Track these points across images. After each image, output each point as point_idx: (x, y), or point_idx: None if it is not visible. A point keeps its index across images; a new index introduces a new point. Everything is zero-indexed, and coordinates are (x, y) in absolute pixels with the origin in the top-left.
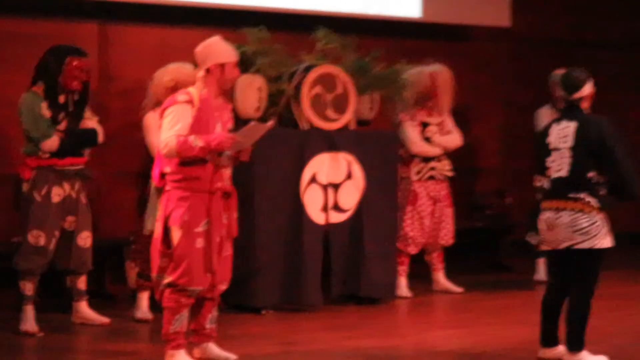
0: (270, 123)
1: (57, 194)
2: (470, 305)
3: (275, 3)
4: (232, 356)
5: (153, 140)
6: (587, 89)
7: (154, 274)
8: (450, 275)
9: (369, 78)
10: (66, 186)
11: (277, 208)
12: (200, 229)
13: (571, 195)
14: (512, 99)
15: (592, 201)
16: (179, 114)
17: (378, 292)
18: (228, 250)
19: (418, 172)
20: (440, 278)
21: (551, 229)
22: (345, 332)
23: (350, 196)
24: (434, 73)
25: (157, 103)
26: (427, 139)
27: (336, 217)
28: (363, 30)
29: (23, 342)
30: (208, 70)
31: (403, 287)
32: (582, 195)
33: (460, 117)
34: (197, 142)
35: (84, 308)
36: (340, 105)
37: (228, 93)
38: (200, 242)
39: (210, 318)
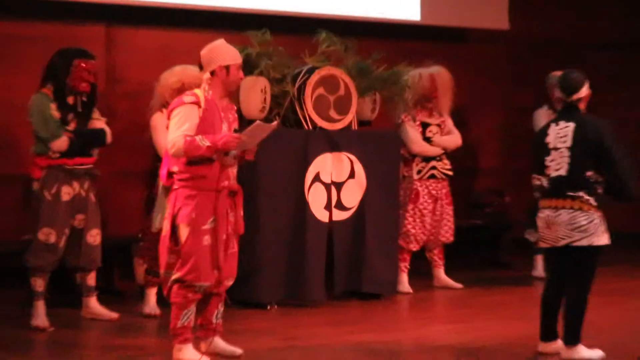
0: (274, 123)
1: (66, 192)
2: (470, 301)
3: (278, 6)
4: (238, 350)
5: (160, 140)
6: (585, 90)
7: (162, 271)
8: (450, 271)
9: (370, 79)
10: (75, 185)
11: (281, 206)
12: (207, 226)
13: (570, 193)
14: (510, 100)
15: (591, 200)
16: (186, 115)
17: (380, 288)
18: (234, 247)
19: (419, 171)
20: (441, 274)
21: (550, 226)
22: (347, 327)
23: (353, 195)
24: (434, 75)
25: (164, 104)
26: (428, 139)
27: (339, 215)
28: (364, 33)
29: (34, 336)
30: (213, 72)
31: (404, 283)
32: (580, 194)
33: (460, 118)
34: (204, 142)
35: (93, 304)
36: (342, 106)
37: (233, 94)
38: (207, 239)
39: (217, 313)
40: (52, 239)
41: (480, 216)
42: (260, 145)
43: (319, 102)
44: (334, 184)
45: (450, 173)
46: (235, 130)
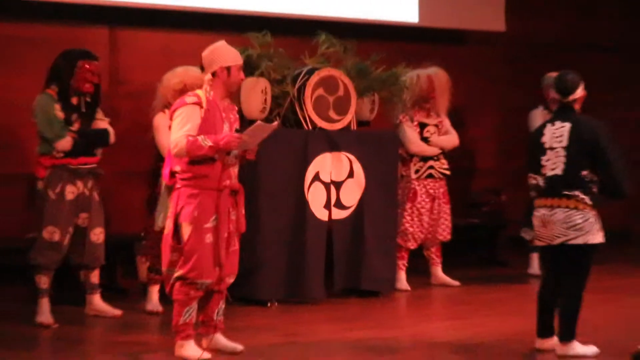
0: (275, 123)
1: (70, 191)
2: (467, 298)
3: (278, 9)
4: (239, 346)
5: (163, 140)
6: (580, 91)
7: (164, 268)
8: (447, 269)
9: (369, 80)
10: (79, 184)
11: (281, 205)
12: (209, 224)
13: (565, 192)
14: (507, 100)
15: (586, 198)
16: (188, 115)
17: (378, 286)
18: (235, 245)
19: (417, 171)
20: (438, 272)
21: (546, 225)
22: (346, 324)
23: (352, 194)
24: (431, 76)
25: (166, 104)
26: (426, 140)
27: (338, 214)
28: (363, 34)
29: (39, 333)
30: (214, 73)
31: (402, 280)
32: (576, 193)
33: (457, 119)
34: (206, 141)
35: (97, 301)
36: (341, 107)
37: (234, 95)
38: (209, 238)
39: (218, 310)
40: (57, 237)
41: (477, 215)
42: (260, 145)
43: (319, 102)
44: (334, 184)
45: (447, 173)
46: (237, 131)
